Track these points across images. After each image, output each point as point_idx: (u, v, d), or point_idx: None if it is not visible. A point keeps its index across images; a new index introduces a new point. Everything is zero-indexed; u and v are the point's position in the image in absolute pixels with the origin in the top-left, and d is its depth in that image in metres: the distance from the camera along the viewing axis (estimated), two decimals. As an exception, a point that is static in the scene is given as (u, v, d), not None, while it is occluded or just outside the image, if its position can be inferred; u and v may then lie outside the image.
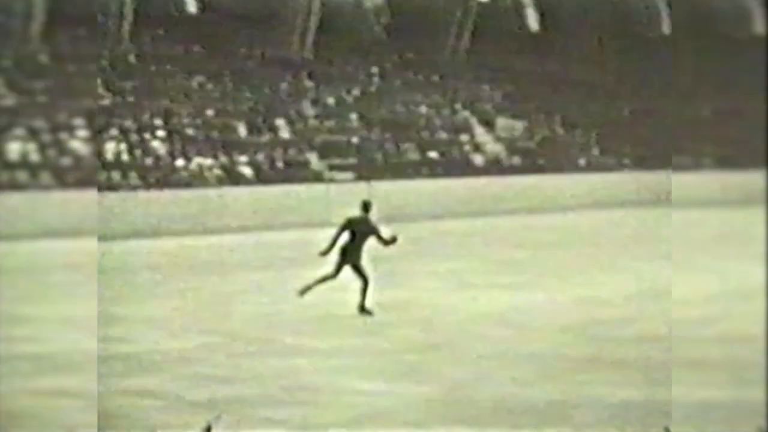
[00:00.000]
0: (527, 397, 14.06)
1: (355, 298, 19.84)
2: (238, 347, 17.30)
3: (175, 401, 13.84)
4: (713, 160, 48.96)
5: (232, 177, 38.77)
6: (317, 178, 40.66)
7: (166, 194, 36.59)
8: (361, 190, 40.26)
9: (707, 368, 15.65)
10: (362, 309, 19.88)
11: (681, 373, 14.83)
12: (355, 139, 43.52)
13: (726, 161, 47.54)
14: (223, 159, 39.41)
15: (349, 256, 19.82)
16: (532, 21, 54.35)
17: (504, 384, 14.84)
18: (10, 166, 36.04)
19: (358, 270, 19.93)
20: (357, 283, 19.84)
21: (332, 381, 14.94)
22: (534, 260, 28.29)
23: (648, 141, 49.12)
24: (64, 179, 36.11)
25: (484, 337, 18.11)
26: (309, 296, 20.01)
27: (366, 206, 20.37)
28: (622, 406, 13.57)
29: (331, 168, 41.54)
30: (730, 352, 16.68)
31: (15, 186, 35.05)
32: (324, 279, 20.09)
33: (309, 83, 45.77)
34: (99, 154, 36.28)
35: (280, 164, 40.60)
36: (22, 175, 35.84)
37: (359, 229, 19.97)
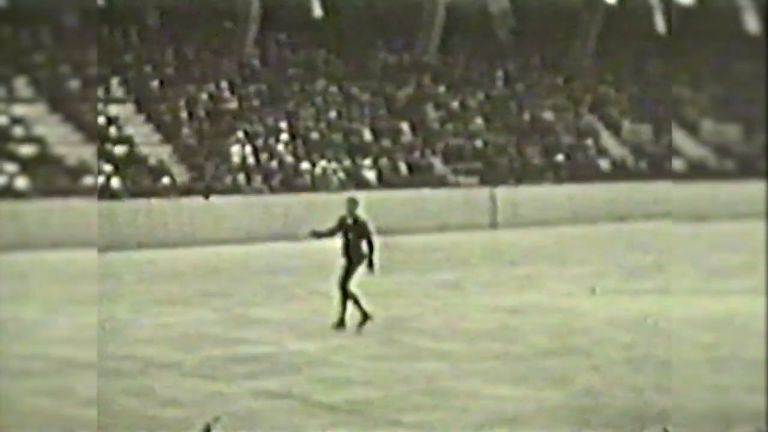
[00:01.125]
0: (660, 404, 13.66)
1: (496, 301, 19.46)
2: (373, 350, 17.12)
3: (303, 403, 13.70)
4: None
5: (355, 181, 38.71)
6: (441, 182, 40.44)
7: (290, 198, 36.70)
8: (485, 194, 40.08)
9: None
10: (341, 323, 18.36)
11: None
12: (479, 143, 43.23)
13: None
14: (347, 163, 39.39)
15: (354, 260, 18.27)
16: (660, 23, 53.47)
17: (636, 390, 14.45)
18: (232, 169, 37.03)
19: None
20: (501, 287, 19.45)
21: (464, 385, 14.69)
22: (666, 266, 27.65)
23: None
24: (271, 182, 37.13)
25: (617, 343, 17.72)
26: (446, 300, 19.74)
27: (353, 203, 18.56)
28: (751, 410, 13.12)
29: (455, 172, 41.29)
30: None
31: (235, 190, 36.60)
32: (359, 306, 18.35)
33: (433, 87, 45.60)
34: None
35: (403, 168, 40.45)
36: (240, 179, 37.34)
37: (353, 231, 18.35)
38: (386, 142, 41.41)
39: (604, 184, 42.73)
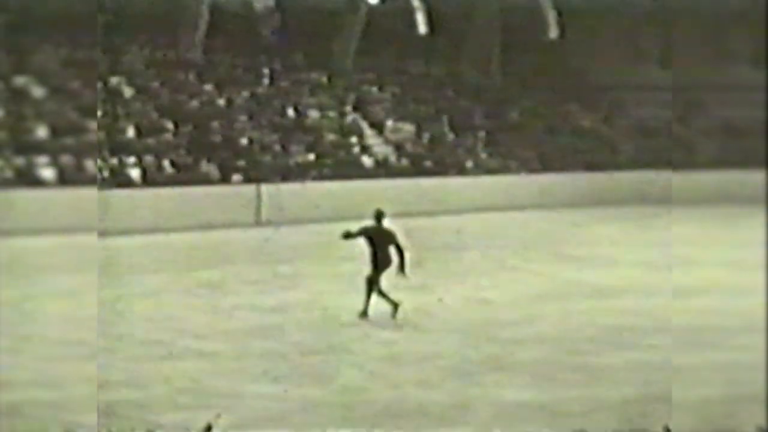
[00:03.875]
0: (421, 398, 14.05)
1: (260, 300, 19.47)
2: (133, 350, 17.03)
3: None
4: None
5: (118, 179, 38.12)
6: (206, 180, 40.17)
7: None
8: (250, 192, 40.07)
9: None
10: (364, 313, 19.89)
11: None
12: (244, 141, 43.23)
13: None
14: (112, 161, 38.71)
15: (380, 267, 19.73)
16: (421, 24, 54.64)
17: (397, 386, 14.80)
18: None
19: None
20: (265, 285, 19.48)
21: (228, 384, 14.79)
22: (429, 262, 28.15)
23: (537, 144, 49.77)
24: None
25: (379, 339, 18.07)
26: (210, 299, 19.70)
27: (378, 216, 19.94)
28: (516, 406, 13.63)
29: (220, 169, 41.09)
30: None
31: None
32: (393, 303, 19.92)
33: (198, 85, 45.36)
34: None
35: (168, 166, 40.08)
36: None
37: (378, 240, 19.72)
38: (151, 140, 40.96)
39: (367, 182, 43.19)
